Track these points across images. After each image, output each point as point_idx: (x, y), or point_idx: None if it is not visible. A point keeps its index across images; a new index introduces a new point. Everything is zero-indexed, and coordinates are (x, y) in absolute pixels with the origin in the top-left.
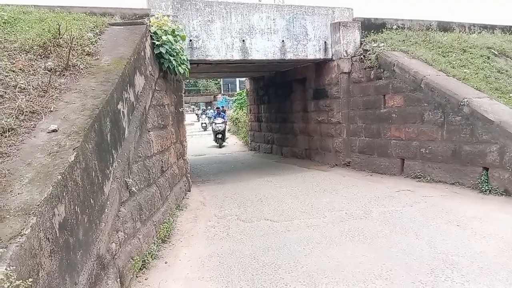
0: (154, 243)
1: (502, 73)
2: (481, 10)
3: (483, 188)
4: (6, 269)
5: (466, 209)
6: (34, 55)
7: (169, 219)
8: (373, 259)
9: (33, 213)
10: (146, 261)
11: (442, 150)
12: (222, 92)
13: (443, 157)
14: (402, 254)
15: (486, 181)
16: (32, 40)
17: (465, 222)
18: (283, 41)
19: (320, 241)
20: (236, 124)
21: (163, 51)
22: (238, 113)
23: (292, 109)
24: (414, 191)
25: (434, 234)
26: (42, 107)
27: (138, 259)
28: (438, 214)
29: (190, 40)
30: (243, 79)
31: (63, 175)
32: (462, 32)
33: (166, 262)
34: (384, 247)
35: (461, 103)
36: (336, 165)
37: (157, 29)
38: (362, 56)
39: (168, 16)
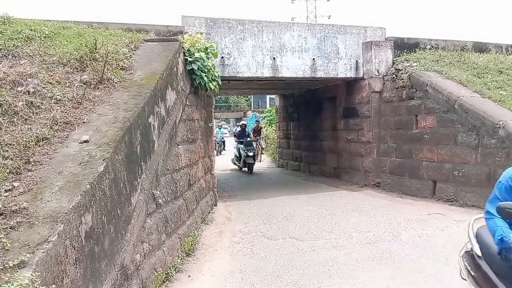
0: (178, 256)
1: None
2: None
3: None
4: (31, 274)
5: None
6: (71, 68)
7: (194, 232)
8: (400, 284)
9: (60, 220)
10: (170, 273)
11: (476, 173)
12: (252, 109)
13: (477, 181)
14: (432, 280)
15: None
16: (70, 54)
17: None
18: (313, 59)
19: (345, 262)
20: (264, 141)
21: (195, 67)
22: (267, 130)
23: (322, 127)
24: (445, 215)
25: None
26: (76, 118)
27: (162, 272)
28: None
29: (222, 57)
30: (273, 96)
31: (92, 185)
32: (499, 53)
33: (189, 276)
34: (413, 272)
35: (497, 126)
36: (365, 185)
37: (190, 46)
38: (394, 76)
39: (201, 33)
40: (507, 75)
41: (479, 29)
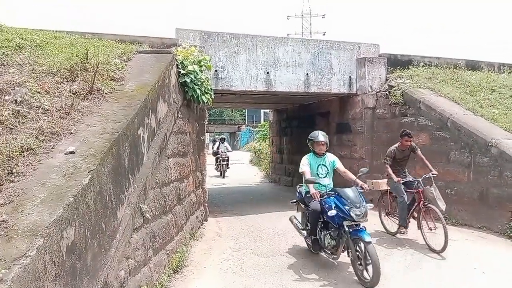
0: (165, 273)
1: None
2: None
3: (511, 234)
4: None
5: (492, 255)
6: (60, 77)
7: (182, 248)
8: None
9: (40, 234)
10: None
11: (468, 191)
12: (246, 123)
13: (470, 199)
14: None
15: None
16: (60, 63)
17: (491, 269)
18: (307, 74)
19: (337, 281)
20: (258, 156)
21: (188, 80)
22: (260, 144)
23: None
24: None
25: (458, 280)
26: (63, 128)
27: None
28: (463, 259)
29: (216, 70)
30: (267, 110)
31: (75, 198)
32: (491, 72)
33: None
34: None
35: (489, 144)
36: None
37: (184, 58)
38: (387, 92)
39: (195, 46)
40: (500, 93)
41: (474, 48)
